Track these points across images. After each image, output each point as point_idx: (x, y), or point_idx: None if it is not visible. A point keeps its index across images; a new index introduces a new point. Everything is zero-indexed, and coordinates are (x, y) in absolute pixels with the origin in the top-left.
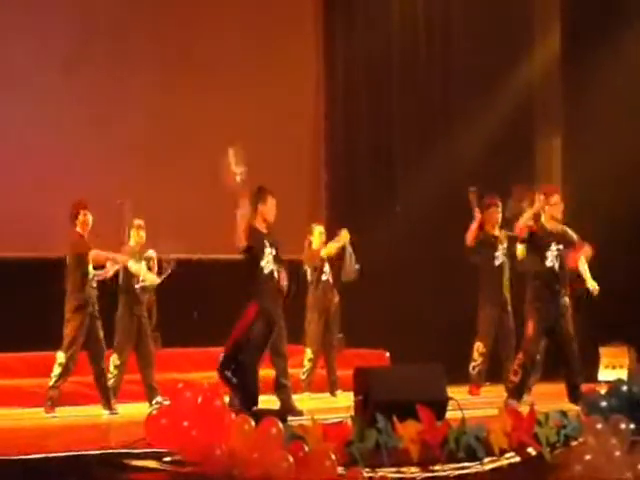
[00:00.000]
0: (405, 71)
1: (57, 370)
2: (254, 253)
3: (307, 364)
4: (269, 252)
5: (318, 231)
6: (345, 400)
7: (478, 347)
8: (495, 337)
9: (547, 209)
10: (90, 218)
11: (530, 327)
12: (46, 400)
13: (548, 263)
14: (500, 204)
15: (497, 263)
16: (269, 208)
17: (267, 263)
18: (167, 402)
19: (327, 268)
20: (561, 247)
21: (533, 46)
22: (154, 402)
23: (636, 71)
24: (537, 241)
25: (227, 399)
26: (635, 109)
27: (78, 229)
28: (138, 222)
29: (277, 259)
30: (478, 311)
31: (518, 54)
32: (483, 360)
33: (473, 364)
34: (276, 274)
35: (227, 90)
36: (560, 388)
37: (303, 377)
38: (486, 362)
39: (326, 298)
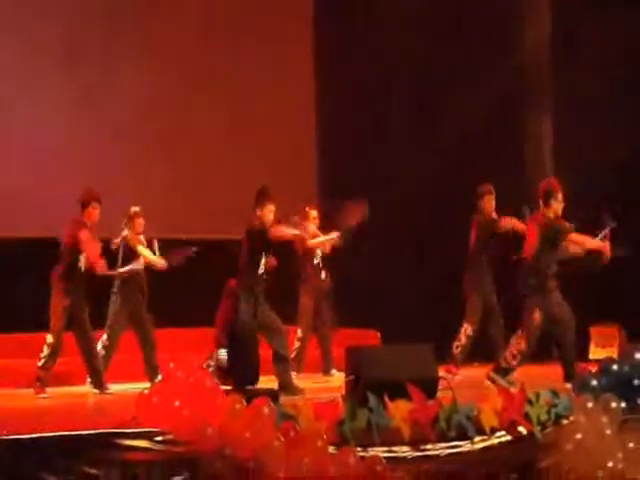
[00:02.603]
0: (397, 58)
1: (46, 351)
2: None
3: (296, 343)
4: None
5: (312, 215)
6: (337, 380)
7: (466, 329)
8: (485, 319)
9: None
10: (97, 212)
11: (536, 316)
12: (35, 381)
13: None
14: (494, 192)
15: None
16: (266, 214)
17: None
18: None
19: (319, 251)
20: None
21: (523, 29)
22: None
23: (627, 53)
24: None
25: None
26: (627, 91)
27: (84, 218)
28: (135, 209)
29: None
30: (467, 295)
31: (507, 38)
32: (467, 342)
33: (457, 344)
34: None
35: (219, 79)
36: (547, 369)
37: (292, 356)
38: (470, 345)
39: (318, 280)
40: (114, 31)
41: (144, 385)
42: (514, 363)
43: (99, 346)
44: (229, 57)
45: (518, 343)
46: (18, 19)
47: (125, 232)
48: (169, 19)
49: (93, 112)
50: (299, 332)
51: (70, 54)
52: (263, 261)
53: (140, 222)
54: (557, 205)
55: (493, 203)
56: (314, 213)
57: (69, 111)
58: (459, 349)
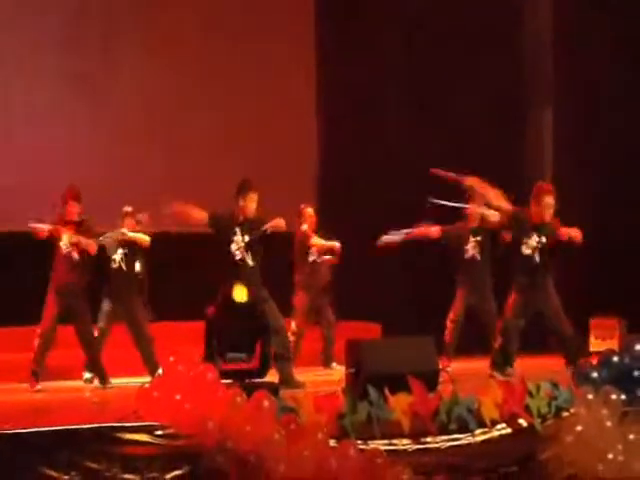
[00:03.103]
0: (398, 57)
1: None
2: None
3: (291, 337)
4: (240, 239)
5: (308, 213)
6: (338, 373)
7: (449, 316)
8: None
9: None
10: (76, 210)
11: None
12: (31, 374)
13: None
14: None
15: None
16: (248, 204)
17: (237, 250)
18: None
19: (314, 246)
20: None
21: (523, 17)
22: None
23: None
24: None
25: None
26: (627, 79)
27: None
28: (127, 209)
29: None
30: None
31: (508, 26)
32: (453, 327)
33: (446, 332)
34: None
35: (219, 77)
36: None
37: None
38: (459, 330)
39: (316, 276)
40: (113, 25)
41: (143, 379)
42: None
43: None
44: (230, 55)
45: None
46: (17, 14)
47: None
48: (169, 14)
49: (92, 105)
50: (293, 326)
51: (69, 47)
52: None
53: (130, 222)
54: (537, 209)
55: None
56: (310, 211)
57: (68, 104)
58: (447, 336)
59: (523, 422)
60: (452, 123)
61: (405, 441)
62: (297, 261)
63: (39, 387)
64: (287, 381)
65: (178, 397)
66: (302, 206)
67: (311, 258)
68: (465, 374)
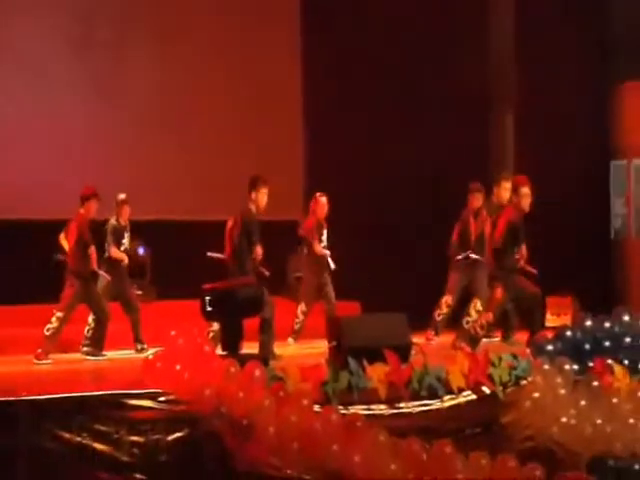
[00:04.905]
0: (377, 51)
1: (55, 323)
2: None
3: (300, 316)
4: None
5: (322, 202)
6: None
7: (447, 300)
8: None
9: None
10: (94, 207)
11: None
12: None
13: None
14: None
15: None
16: (260, 197)
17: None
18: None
19: (325, 236)
20: None
21: (488, 22)
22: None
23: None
24: None
25: None
26: (585, 78)
27: (82, 211)
28: (122, 197)
29: None
30: (449, 270)
31: (472, 31)
32: (448, 312)
33: (438, 312)
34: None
35: (215, 68)
36: None
37: (296, 327)
38: (449, 315)
39: (323, 261)
40: (125, 28)
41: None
42: (481, 333)
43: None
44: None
45: (486, 315)
46: (33, 11)
47: (112, 220)
48: (178, 14)
49: (105, 100)
50: (303, 306)
51: (83, 49)
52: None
53: (126, 209)
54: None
55: (479, 202)
56: (323, 200)
57: (83, 99)
58: (440, 317)
59: (486, 390)
60: (427, 120)
61: (382, 406)
62: (305, 245)
63: (47, 361)
64: (266, 353)
65: (178, 367)
66: (317, 194)
67: (323, 244)
68: (435, 347)
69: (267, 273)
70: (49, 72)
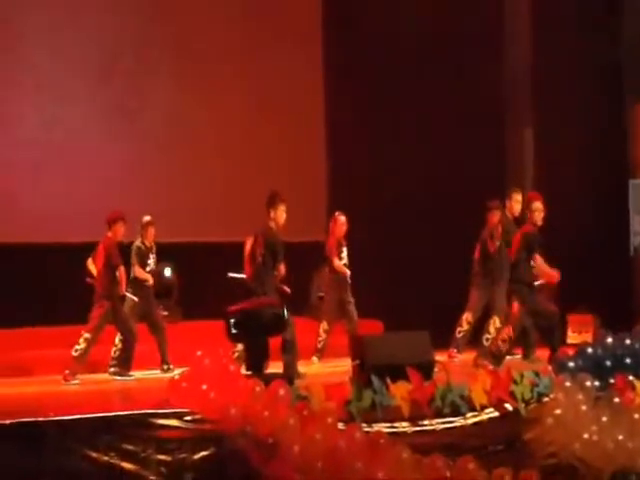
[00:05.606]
0: (398, 70)
1: (83, 344)
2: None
3: (322, 335)
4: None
5: (340, 221)
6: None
7: (467, 317)
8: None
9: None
10: (121, 230)
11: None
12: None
13: None
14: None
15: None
16: (279, 214)
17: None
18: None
19: (345, 253)
20: None
21: (504, 38)
22: (165, 368)
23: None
24: None
25: None
26: (602, 96)
27: (109, 234)
28: (147, 219)
29: None
30: (470, 287)
31: (489, 48)
32: (468, 329)
33: (459, 329)
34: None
35: (234, 90)
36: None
37: (320, 346)
38: (470, 332)
39: (343, 279)
40: (144, 51)
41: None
42: (504, 348)
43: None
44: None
45: (507, 330)
46: (65, 42)
47: (137, 242)
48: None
49: (130, 125)
50: (326, 325)
51: (102, 70)
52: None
53: (151, 231)
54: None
55: (497, 218)
56: (342, 219)
57: (108, 125)
58: (461, 334)
59: (509, 406)
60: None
61: (405, 424)
62: (326, 264)
63: (75, 381)
64: (290, 372)
65: (204, 387)
66: (336, 213)
67: (342, 262)
68: (458, 365)
69: (289, 290)
70: (79, 99)
